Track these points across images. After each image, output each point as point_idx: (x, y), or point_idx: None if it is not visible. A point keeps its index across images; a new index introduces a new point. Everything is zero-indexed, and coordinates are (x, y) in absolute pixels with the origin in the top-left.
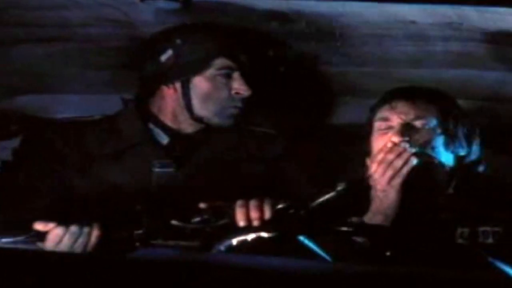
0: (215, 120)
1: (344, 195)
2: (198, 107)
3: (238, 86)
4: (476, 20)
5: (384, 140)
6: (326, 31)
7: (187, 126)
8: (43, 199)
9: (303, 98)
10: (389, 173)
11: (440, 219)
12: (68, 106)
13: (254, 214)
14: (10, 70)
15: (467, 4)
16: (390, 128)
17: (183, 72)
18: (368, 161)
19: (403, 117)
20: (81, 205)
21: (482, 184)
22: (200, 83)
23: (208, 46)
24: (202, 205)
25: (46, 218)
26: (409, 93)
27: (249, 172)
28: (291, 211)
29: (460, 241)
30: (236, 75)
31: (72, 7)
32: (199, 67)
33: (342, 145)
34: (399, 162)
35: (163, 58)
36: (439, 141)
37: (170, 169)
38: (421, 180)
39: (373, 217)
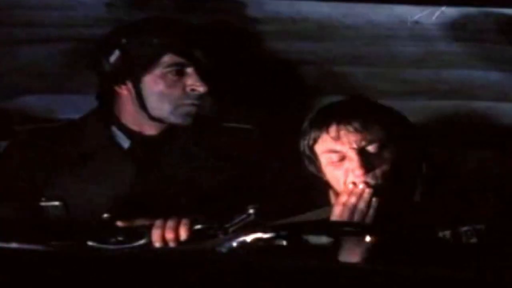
0: (172, 120)
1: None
2: (153, 107)
3: (192, 82)
4: (479, 21)
5: (342, 172)
6: (329, 32)
7: (149, 128)
8: (10, 205)
9: (293, 98)
10: (356, 217)
11: (417, 225)
12: (71, 107)
13: (169, 235)
14: (13, 70)
15: (471, 5)
16: (343, 158)
17: (131, 72)
18: (331, 196)
19: (354, 145)
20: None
21: (455, 182)
22: (150, 83)
23: (154, 43)
24: (119, 224)
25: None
26: (344, 115)
27: (220, 172)
28: (210, 232)
29: (442, 243)
30: (189, 71)
31: (76, 7)
32: (146, 66)
33: None
34: (362, 205)
35: (112, 59)
36: (398, 156)
37: (132, 175)
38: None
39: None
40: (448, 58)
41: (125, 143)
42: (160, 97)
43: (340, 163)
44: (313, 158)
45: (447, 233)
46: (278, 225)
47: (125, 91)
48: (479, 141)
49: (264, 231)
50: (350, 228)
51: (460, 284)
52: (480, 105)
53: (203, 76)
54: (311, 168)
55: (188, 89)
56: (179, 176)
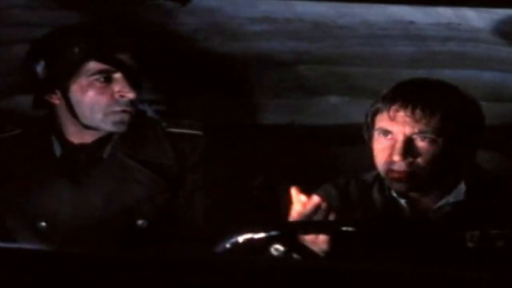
0: (105, 127)
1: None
2: (84, 116)
3: (120, 88)
4: (474, 20)
5: (385, 152)
6: (324, 32)
7: (87, 136)
8: None
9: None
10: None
11: (448, 224)
12: None
13: None
14: (9, 70)
15: (466, 4)
16: (391, 139)
17: (57, 82)
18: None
19: (405, 131)
20: None
21: (492, 183)
22: (78, 91)
23: (75, 51)
24: None
25: None
26: (410, 99)
27: (150, 186)
28: None
29: (470, 245)
30: (117, 77)
31: (73, 7)
32: (70, 75)
33: (340, 146)
34: (317, 217)
35: (39, 69)
36: (439, 149)
37: (62, 183)
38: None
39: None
40: (442, 58)
41: (58, 152)
42: (89, 105)
43: (388, 142)
44: (370, 126)
45: (476, 234)
46: (270, 225)
47: (56, 100)
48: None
49: (256, 232)
50: (348, 228)
51: (463, 283)
52: None
53: (132, 81)
54: (365, 134)
55: (116, 95)
56: (106, 187)
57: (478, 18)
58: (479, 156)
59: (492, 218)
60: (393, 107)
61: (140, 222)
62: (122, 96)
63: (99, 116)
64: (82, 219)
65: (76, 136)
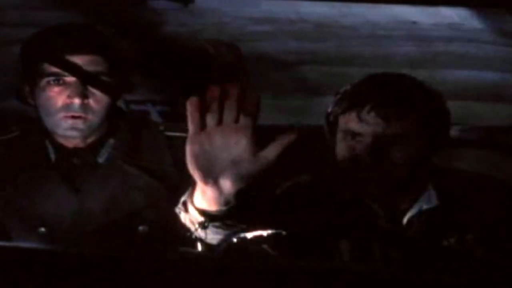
0: (59, 133)
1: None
2: (44, 120)
3: (69, 93)
4: (476, 21)
5: (351, 153)
6: (327, 32)
7: (71, 140)
8: None
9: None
10: None
11: (425, 234)
12: None
13: None
14: (9, 70)
15: (468, 5)
16: (358, 141)
17: (22, 83)
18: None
19: (375, 131)
20: None
21: (463, 184)
22: (37, 94)
23: (31, 52)
24: None
25: None
26: (381, 98)
27: (149, 192)
28: None
29: (447, 250)
30: (69, 80)
31: (72, 7)
32: (26, 76)
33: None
34: None
35: (21, 67)
36: (411, 149)
37: (57, 189)
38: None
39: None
40: (444, 58)
41: (53, 156)
42: (44, 109)
43: (354, 143)
44: (333, 125)
45: (452, 240)
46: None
47: (32, 101)
48: (475, 141)
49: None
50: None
51: (460, 285)
52: (476, 105)
53: (85, 85)
54: (327, 132)
55: (68, 100)
56: (105, 192)
57: (480, 19)
58: (478, 157)
59: (468, 221)
60: (365, 108)
61: (141, 228)
62: (72, 102)
63: (53, 119)
64: (81, 224)
65: (65, 140)
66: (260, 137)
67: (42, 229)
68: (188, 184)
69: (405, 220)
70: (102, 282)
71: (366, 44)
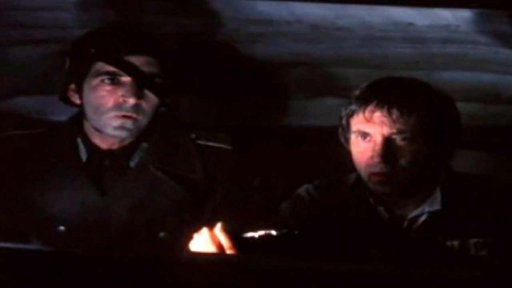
0: (107, 131)
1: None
2: (91, 118)
3: (123, 92)
4: (473, 22)
5: (364, 154)
6: (323, 33)
7: (109, 140)
8: None
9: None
10: None
11: (424, 235)
12: (64, 108)
13: None
14: (7, 71)
15: (465, 6)
16: (370, 141)
17: (72, 81)
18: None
19: (383, 131)
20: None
21: (469, 187)
22: (87, 92)
23: (85, 51)
24: None
25: None
26: (385, 98)
27: (178, 199)
28: None
29: (449, 254)
30: (124, 80)
31: (70, 9)
32: (79, 75)
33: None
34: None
35: (66, 66)
36: (419, 148)
37: (85, 189)
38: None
39: None
40: (441, 60)
41: (84, 155)
42: (94, 107)
43: (367, 144)
44: (346, 129)
45: (455, 243)
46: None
47: (77, 101)
48: (471, 143)
49: (275, 228)
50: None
51: (461, 284)
52: (472, 106)
53: (140, 86)
54: (341, 137)
55: (121, 99)
56: (132, 197)
57: (477, 20)
58: (477, 158)
59: (471, 226)
60: (369, 108)
61: (162, 234)
62: (125, 101)
63: (102, 118)
64: (103, 226)
65: (101, 141)
66: (258, 138)
67: (62, 228)
68: (216, 194)
69: (406, 222)
70: (102, 282)
71: (363, 45)
